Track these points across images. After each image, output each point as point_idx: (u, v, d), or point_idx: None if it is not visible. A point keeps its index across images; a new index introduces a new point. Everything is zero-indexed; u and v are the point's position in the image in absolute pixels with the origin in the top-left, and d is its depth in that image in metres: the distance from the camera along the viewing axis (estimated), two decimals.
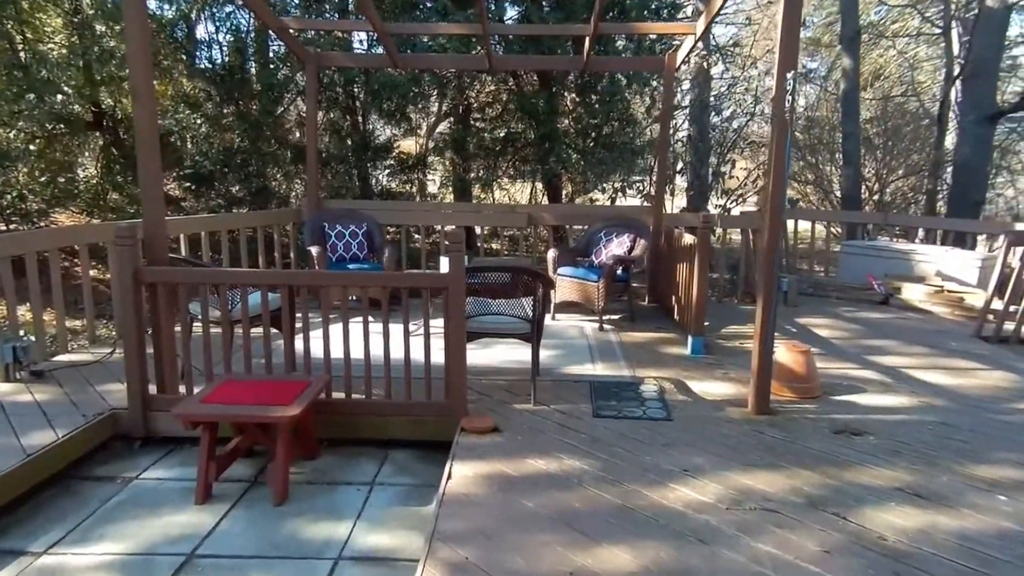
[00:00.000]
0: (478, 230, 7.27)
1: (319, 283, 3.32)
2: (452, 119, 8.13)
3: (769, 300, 3.39)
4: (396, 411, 3.36)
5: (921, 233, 8.07)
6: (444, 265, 4.99)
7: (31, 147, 6.28)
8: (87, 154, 7.68)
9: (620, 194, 7.56)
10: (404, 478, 3.09)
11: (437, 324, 3.31)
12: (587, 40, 5.15)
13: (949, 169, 10.43)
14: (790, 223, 7.23)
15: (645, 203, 8.38)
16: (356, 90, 6.91)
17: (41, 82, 5.38)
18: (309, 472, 3.12)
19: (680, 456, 2.98)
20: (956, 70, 11.60)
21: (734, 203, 7.79)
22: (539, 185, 8.22)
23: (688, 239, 5.07)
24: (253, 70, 6.80)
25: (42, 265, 4.13)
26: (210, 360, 3.36)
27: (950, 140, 10.18)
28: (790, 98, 3.23)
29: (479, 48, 6.07)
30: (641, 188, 7.91)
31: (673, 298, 5.45)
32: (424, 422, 3.37)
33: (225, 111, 6.64)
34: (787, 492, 2.67)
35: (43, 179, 6.24)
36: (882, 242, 7.44)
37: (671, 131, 8.64)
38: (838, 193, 9.98)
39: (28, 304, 4.02)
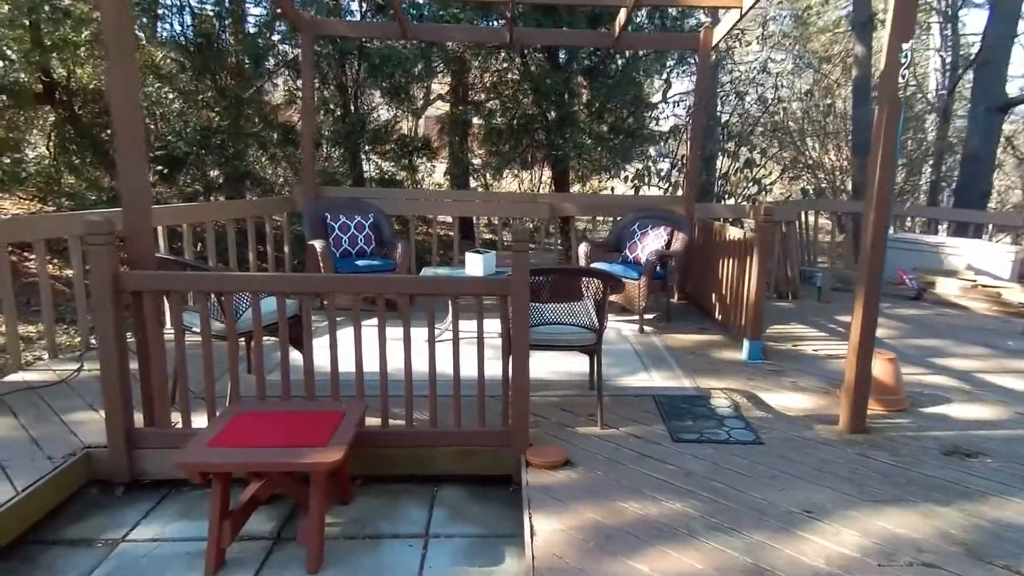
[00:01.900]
0: (475, 220, 6.70)
1: (361, 290, 2.71)
2: (453, 100, 7.49)
3: (871, 307, 2.96)
4: (443, 441, 2.80)
5: (937, 226, 7.86)
6: (473, 263, 4.46)
7: None
8: (35, 131, 6.74)
9: (642, 182, 7.07)
10: (462, 526, 2.53)
11: (467, 332, 2.76)
12: (622, 12, 4.61)
13: (949, 160, 10.36)
14: (810, 216, 6.90)
15: (663, 192, 7.93)
16: (353, 65, 6.17)
17: None
18: (345, 522, 2.53)
19: (793, 492, 2.52)
20: (949, 59, 11.52)
21: (763, 193, 7.41)
22: (541, 172, 7.68)
23: (735, 233, 4.63)
24: (232, 38, 5.98)
25: None
26: (211, 384, 2.72)
27: (950, 130, 10.10)
28: (905, 72, 2.78)
29: (495, 20, 5.49)
30: (651, 176, 7.45)
31: (713, 296, 5.01)
32: (476, 453, 2.82)
33: (200, 85, 5.83)
34: (936, 538, 2.24)
35: None
36: (909, 235, 7.19)
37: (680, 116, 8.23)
38: (836, 182, 9.76)
39: None
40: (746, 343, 4.17)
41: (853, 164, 8.86)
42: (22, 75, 4.97)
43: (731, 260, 4.64)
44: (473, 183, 8.12)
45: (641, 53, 6.50)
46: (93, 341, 4.16)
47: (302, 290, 2.66)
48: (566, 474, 2.61)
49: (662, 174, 7.29)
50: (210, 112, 5.89)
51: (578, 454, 2.77)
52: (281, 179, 7.00)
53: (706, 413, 3.26)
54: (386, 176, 7.06)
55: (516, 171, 7.45)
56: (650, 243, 5.00)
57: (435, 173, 8.12)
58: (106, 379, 2.57)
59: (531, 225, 5.89)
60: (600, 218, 6.12)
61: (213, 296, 2.84)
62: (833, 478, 2.64)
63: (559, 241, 6.64)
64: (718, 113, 7.77)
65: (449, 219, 7.24)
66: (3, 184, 5.33)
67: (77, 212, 4.17)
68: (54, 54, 5.09)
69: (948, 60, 10.97)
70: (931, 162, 9.87)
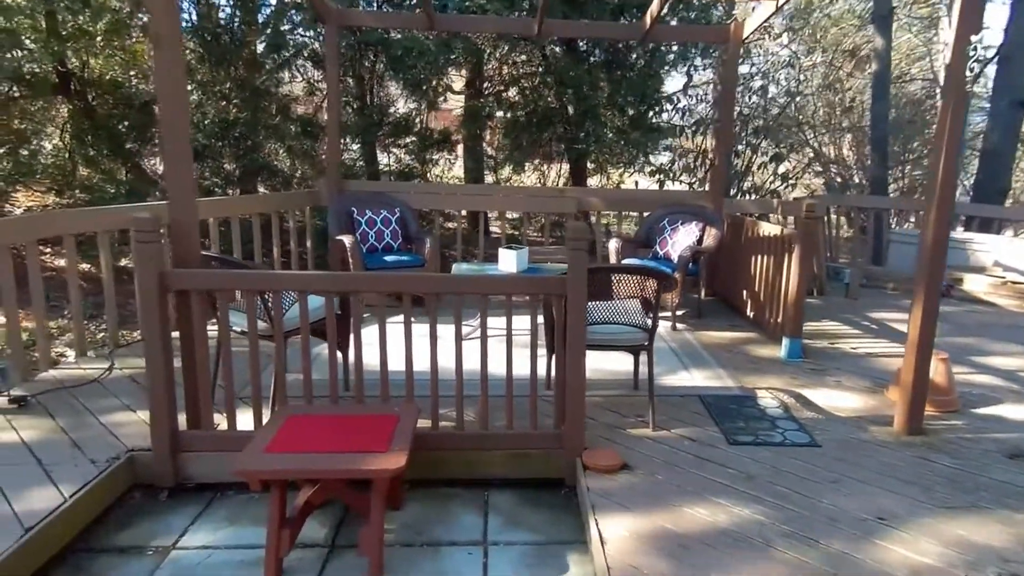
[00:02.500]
0: (487, 215, 6.59)
1: (414, 289, 2.60)
2: (471, 92, 7.34)
3: (931, 305, 2.88)
4: (495, 444, 2.72)
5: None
6: (506, 259, 4.37)
7: None
8: (47, 123, 6.58)
9: (666, 176, 6.95)
10: (521, 533, 2.46)
11: (496, 328, 2.68)
12: (655, 3, 4.50)
13: (966, 156, 10.27)
14: (831, 212, 6.81)
15: (687, 187, 7.79)
16: (372, 57, 6.04)
17: (1, 34, 4.34)
18: (399, 528, 2.46)
19: (861, 498, 2.44)
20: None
21: (789, 188, 7.32)
22: (560, 166, 7.53)
23: (770, 229, 4.54)
24: (245, 27, 5.82)
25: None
26: (258, 385, 2.63)
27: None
28: (975, 66, 2.69)
29: (521, 11, 5.36)
30: (674, 172, 7.33)
31: (744, 293, 4.93)
32: (528, 456, 2.74)
33: (217, 76, 5.69)
34: (1019, 547, 2.17)
35: (1, 151, 5.19)
36: None
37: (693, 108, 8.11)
38: (855, 178, 9.66)
39: None
40: (785, 341, 4.09)
41: (871, 159, 8.76)
42: (38, 66, 4.83)
43: (765, 257, 4.56)
44: (490, 178, 8.03)
45: (663, 46, 6.38)
46: (124, 338, 4.09)
47: (355, 288, 2.57)
48: (625, 478, 2.54)
49: (680, 169, 7.18)
50: (228, 104, 5.76)
51: (633, 457, 2.69)
52: (299, 172, 6.88)
53: (756, 414, 3.19)
54: (405, 170, 6.94)
55: (535, 165, 7.32)
56: (681, 239, 4.92)
57: (455, 167, 7.99)
58: (152, 380, 2.48)
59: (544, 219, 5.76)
60: (623, 213, 5.98)
61: (260, 295, 2.75)
62: (897, 482, 2.57)
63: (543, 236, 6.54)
64: (736, 106, 7.64)
65: (466, 214, 7.13)
66: (19, 177, 5.21)
67: (109, 207, 4.04)
68: (69, 44, 4.96)
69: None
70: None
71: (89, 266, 5.42)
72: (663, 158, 7.43)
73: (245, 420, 2.74)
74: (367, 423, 2.37)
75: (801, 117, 8.11)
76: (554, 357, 2.89)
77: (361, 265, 4.43)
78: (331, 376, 2.64)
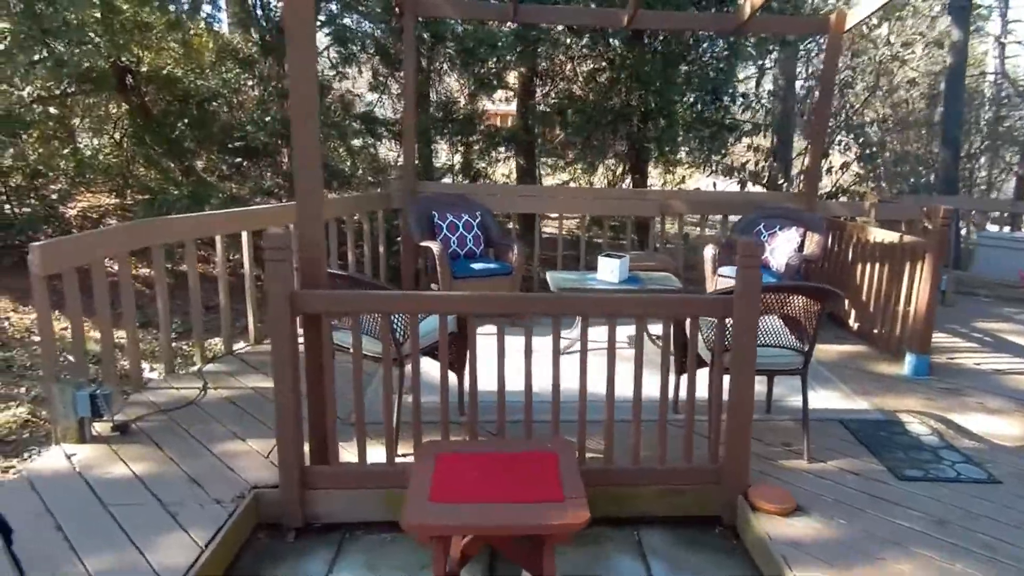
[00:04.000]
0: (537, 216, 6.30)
1: (564, 311, 2.34)
2: (526, 88, 7.04)
3: None
4: (647, 479, 2.47)
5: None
6: (607, 268, 4.11)
7: (51, 109, 5.00)
8: (93, 120, 6.37)
9: (749, 177, 6.63)
10: None
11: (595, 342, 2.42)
12: None
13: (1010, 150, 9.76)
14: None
15: (755, 187, 7.42)
16: (440, 49, 5.77)
17: (69, 27, 4.13)
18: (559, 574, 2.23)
19: None
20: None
21: (877, 190, 6.95)
22: (625, 166, 7.16)
23: (885, 235, 4.24)
24: (320, 18, 5.55)
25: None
26: (390, 415, 2.40)
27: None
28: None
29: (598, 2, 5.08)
30: (745, 171, 6.99)
31: (846, 303, 4.63)
32: (681, 492, 2.50)
33: (281, 71, 5.46)
34: None
35: (66, 151, 5.01)
36: (1019, 234, 6.74)
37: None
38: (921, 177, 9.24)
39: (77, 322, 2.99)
40: (910, 357, 3.80)
41: (941, 157, 8.36)
42: (103, 61, 4.62)
43: (877, 264, 4.26)
44: (551, 179, 7.74)
45: (745, 38, 6.05)
46: (183, 351, 3.87)
47: (514, 311, 2.33)
48: (803, 522, 2.27)
49: (758, 168, 6.85)
50: (287, 101, 5.51)
51: (800, 495, 2.43)
52: (360, 171, 6.64)
53: (911, 443, 2.91)
54: (470, 171, 6.67)
55: (589, 165, 7.03)
56: (780, 245, 4.61)
57: (508, 166, 7.68)
58: (282, 412, 2.26)
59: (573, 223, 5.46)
60: (683, 216, 5.64)
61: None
62: None
63: (638, 241, 6.26)
64: (810, 102, 7.31)
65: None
66: (81, 178, 5.02)
67: (199, 215, 3.82)
68: (132, 37, 4.74)
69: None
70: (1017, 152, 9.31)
71: (148, 271, 5.23)
72: (733, 157, 7.09)
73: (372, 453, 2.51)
74: (525, 464, 2.13)
75: (881, 113, 7.74)
76: (683, 378, 2.64)
77: (449, 273, 4.19)
78: (471, 409, 2.40)
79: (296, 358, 2.28)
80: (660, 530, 2.50)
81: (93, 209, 6.76)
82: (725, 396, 2.44)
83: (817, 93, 7.52)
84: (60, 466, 2.46)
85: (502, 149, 6.67)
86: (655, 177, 8.87)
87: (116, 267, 3.21)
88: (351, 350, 2.66)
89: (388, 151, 7.13)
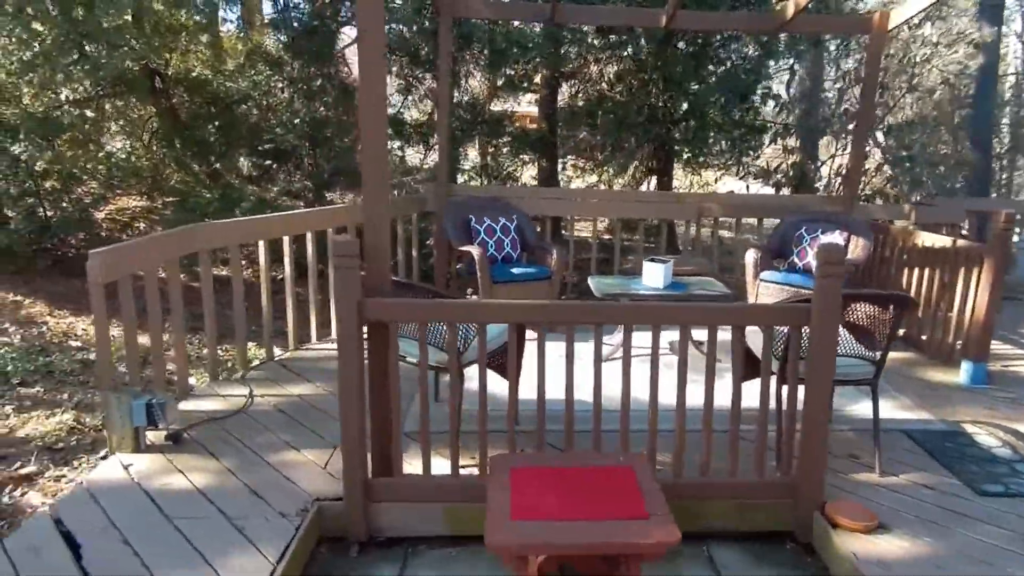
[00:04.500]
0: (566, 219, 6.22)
1: (649, 320, 2.25)
2: (548, 90, 6.98)
3: None
4: (716, 493, 2.40)
5: None
6: (652, 273, 4.03)
7: (88, 113, 5.00)
8: (119, 123, 6.34)
9: (790, 179, 6.52)
10: None
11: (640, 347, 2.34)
12: None
13: None
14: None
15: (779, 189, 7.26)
16: (473, 50, 5.71)
17: (106, 30, 4.10)
18: None
19: None
20: None
21: (918, 194, 6.82)
22: (651, 167, 7.07)
23: (935, 240, 4.14)
24: (339, 19, 5.50)
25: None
26: (457, 425, 2.34)
27: None
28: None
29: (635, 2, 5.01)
30: (789, 173, 6.86)
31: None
32: (752, 507, 2.42)
33: (311, 72, 5.42)
34: None
35: (100, 154, 4.99)
36: None
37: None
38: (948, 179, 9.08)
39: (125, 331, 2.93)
40: (966, 365, 3.70)
41: (971, 159, 8.23)
42: (136, 63, 4.60)
43: (927, 269, 4.17)
44: (579, 182, 7.66)
45: (777, 38, 5.96)
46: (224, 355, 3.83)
47: (578, 320, 2.26)
48: (888, 540, 2.19)
49: (789, 170, 6.74)
50: (318, 102, 5.48)
51: (877, 511, 2.33)
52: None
53: (983, 455, 2.82)
54: (502, 172, 6.60)
55: (629, 166, 6.94)
56: None
57: (531, 169, 7.61)
58: (347, 423, 2.20)
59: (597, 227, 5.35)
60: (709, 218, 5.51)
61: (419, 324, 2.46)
62: None
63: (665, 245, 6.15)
64: (845, 103, 7.18)
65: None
66: (116, 181, 5.00)
67: (251, 218, 3.79)
68: (165, 39, 4.72)
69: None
70: None
71: (185, 276, 5.21)
72: (768, 160, 6.97)
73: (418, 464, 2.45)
74: (602, 479, 2.06)
75: (912, 114, 7.61)
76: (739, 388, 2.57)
77: (489, 277, 4.13)
78: (539, 420, 2.33)
79: (363, 369, 2.23)
80: (730, 546, 2.42)
81: (121, 212, 6.77)
82: (785, 407, 2.37)
83: (851, 94, 7.46)
84: (118, 477, 2.42)
85: (530, 152, 6.59)
86: (679, 179, 8.78)
87: (164, 273, 3.17)
88: (406, 358, 2.62)
89: (415, 153, 7.08)
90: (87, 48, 4.06)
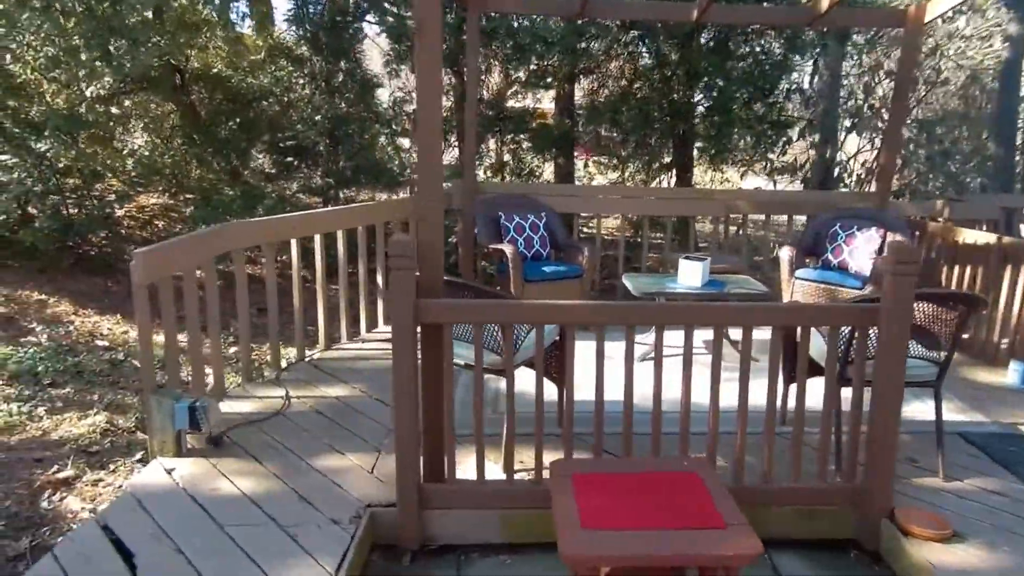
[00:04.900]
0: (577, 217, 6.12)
1: (718, 321, 2.18)
2: (563, 88, 6.90)
3: None
4: (778, 500, 2.32)
5: None
6: (689, 271, 3.95)
7: (113, 109, 4.95)
8: (135, 120, 6.28)
9: (828, 176, 6.40)
10: None
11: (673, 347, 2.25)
12: None
13: None
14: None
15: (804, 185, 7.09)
16: (494, 45, 5.63)
17: (135, 25, 4.03)
18: None
19: None
20: None
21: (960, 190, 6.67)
22: (670, 163, 6.96)
23: (977, 237, 4.05)
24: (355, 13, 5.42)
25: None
26: (513, 428, 2.27)
27: None
28: None
29: None
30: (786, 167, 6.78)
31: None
32: (814, 514, 2.35)
33: (332, 68, 5.34)
34: None
35: (124, 151, 4.95)
36: None
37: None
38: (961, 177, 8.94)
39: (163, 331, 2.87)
40: (1016, 365, 3.60)
41: (994, 155, 8.09)
42: (158, 60, 4.54)
43: (968, 267, 4.08)
44: (601, 178, 7.58)
45: (802, 33, 5.86)
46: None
47: (635, 321, 2.19)
48: (964, 549, 2.11)
49: (810, 166, 6.64)
50: (338, 98, 5.40)
51: (949, 519, 2.27)
52: (408, 171, 6.50)
53: None
54: (525, 168, 6.52)
55: (655, 162, 6.84)
56: (860, 246, 4.43)
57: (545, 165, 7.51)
58: (401, 428, 2.13)
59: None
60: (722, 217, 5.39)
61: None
62: None
63: (678, 242, 6.07)
64: (872, 99, 7.05)
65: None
66: (141, 179, 4.94)
67: (272, 217, 3.73)
68: (189, 36, 4.66)
69: None
70: None
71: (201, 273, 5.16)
72: (795, 155, 6.87)
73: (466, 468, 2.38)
74: (669, 485, 1.98)
75: (940, 110, 7.48)
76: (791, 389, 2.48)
77: (522, 276, 4.06)
78: (596, 425, 2.26)
79: (416, 371, 2.16)
80: (793, 554, 2.34)
81: (140, 210, 6.72)
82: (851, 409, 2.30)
83: (879, 88, 7.33)
84: (163, 481, 2.36)
85: (551, 149, 6.47)
86: (697, 176, 8.68)
87: (200, 273, 3.10)
88: (459, 361, 2.55)
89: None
90: (113, 44, 4.00)
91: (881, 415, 2.20)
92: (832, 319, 2.24)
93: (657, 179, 7.40)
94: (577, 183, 7.84)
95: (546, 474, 2.31)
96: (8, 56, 3.88)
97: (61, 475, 2.72)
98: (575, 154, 7.72)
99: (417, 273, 2.14)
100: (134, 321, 5.06)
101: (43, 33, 3.89)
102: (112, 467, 2.87)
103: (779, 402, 2.84)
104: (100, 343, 4.32)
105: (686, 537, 1.75)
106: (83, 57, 4.04)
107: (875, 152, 7.69)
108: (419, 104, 2.09)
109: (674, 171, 7.34)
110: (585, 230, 7.29)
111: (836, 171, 7.98)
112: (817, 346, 2.58)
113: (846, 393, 2.40)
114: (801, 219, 5.36)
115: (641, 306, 2.31)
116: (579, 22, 5.23)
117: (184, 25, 4.74)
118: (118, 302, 5.13)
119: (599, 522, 1.81)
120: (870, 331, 2.24)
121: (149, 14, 4.90)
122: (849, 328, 2.39)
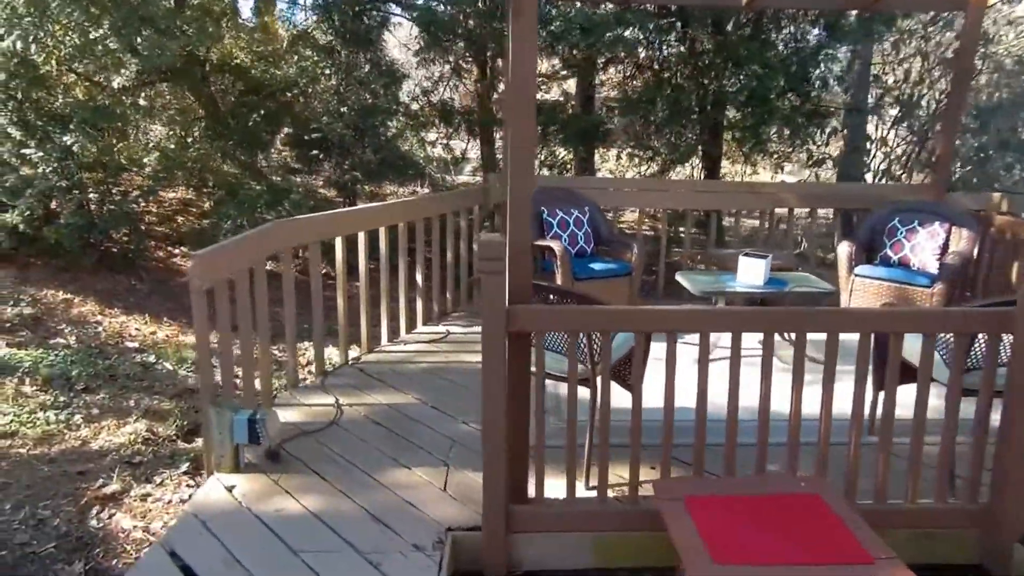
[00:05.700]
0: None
1: (848, 328, 1.99)
2: (585, 79, 6.66)
3: None
4: (896, 521, 2.14)
5: None
6: (751, 269, 3.74)
7: (140, 101, 4.74)
8: (149, 113, 6.07)
9: (867, 169, 6.20)
10: None
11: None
12: None
13: None
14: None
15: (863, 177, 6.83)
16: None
17: (161, 14, 3.83)
18: None
19: None
20: None
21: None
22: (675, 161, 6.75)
23: None
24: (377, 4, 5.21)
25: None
26: (607, 441, 2.09)
27: None
28: None
29: None
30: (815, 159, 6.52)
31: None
32: (933, 537, 2.16)
33: (359, 59, 5.12)
34: None
35: (151, 145, 4.76)
36: None
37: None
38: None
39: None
40: None
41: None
42: (184, 50, 4.32)
43: None
44: (630, 172, 7.35)
45: (843, 18, 5.62)
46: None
47: (754, 327, 1.99)
48: None
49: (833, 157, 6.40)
50: (364, 89, 5.19)
51: None
52: (432, 165, 6.31)
53: None
54: (558, 161, 6.31)
55: (691, 155, 6.61)
56: (922, 242, 4.22)
57: (608, 160, 7.29)
58: (489, 446, 1.95)
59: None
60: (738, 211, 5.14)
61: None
62: None
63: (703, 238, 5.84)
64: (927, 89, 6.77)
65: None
66: (165, 174, 4.74)
67: (302, 216, 3.54)
68: (216, 27, 4.46)
69: None
70: None
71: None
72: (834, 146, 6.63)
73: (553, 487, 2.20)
74: (792, 509, 1.80)
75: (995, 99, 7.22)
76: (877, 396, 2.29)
77: (571, 273, 3.86)
78: (696, 439, 2.07)
79: (503, 386, 1.97)
80: None
81: (161, 206, 6.52)
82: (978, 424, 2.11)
83: (931, 75, 7.03)
84: (224, 500, 2.18)
85: (581, 140, 6.23)
86: (725, 168, 8.45)
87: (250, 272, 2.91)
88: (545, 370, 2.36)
89: (460, 143, 6.80)
90: (143, 34, 3.78)
91: (1017, 430, 2.01)
92: (963, 325, 2.04)
93: (688, 173, 7.18)
94: (603, 176, 7.62)
95: (643, 492, 2.15)
96: (33, 46, 3.68)
97: (107, 489, 2.55)
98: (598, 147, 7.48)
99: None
100: (161, 321, 4.89)
101: (72, 22, 3.69)
102: (159, 480, 2.70)
103: (867, 410, 2.67)
104: (130, 344, 4.15)
105: (833, 575, 1.57)
106: (112, 46, 3.83)
107: (912, 143, 7.45)
108: (513, 90, 1.89)
109: (701, 165, 7.13)
110: (619, 224, 7.09)
111: (875, 163, 7.73)
112: (913, 349, 2.40)
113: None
114: (824, 213, 5.14)
115: (748, 312, 2.12)
116: (622, 10, 5.01)
117: (209, 14, 4.54)
118: (143, 301, 4.95)
119: (731, 556, 1.62)
120: (1003, 338, 2.05)
121: (172, 2, 4.70)
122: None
